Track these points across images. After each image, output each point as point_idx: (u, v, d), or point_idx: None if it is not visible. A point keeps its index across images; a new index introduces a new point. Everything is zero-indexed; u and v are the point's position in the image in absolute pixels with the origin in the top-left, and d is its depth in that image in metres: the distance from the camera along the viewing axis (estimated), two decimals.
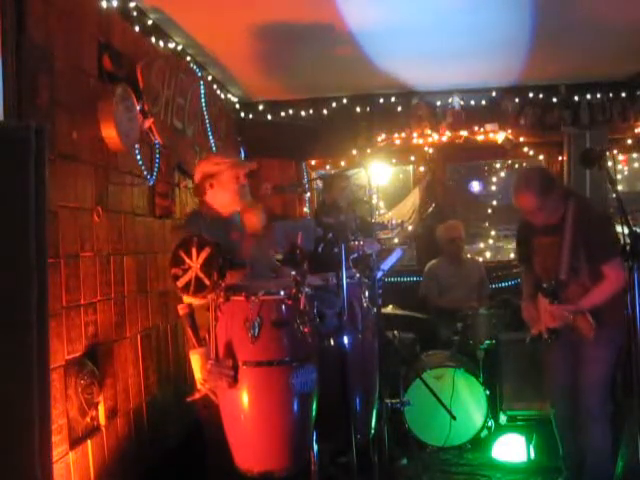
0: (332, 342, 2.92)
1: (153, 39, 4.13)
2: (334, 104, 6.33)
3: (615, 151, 6.23)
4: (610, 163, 3.05)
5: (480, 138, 6.29)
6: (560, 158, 6.31)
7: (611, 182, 3.02)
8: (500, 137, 6.25)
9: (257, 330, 2.57)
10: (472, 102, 6.35)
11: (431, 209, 6.42)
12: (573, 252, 3.41)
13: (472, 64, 5.36)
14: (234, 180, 3.25)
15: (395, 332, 4.57)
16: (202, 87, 4.90)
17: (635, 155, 7.36)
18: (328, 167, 6.72)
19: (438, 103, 6.36)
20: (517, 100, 6.28)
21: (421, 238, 6.51)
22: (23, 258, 2.12)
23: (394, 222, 5.48)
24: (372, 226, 4.28)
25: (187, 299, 2.91)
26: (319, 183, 6.37)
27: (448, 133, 6.29)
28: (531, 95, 6.26)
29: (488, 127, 6.25)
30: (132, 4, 3.77)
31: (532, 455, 4.27)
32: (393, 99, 6.36)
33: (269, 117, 6.35)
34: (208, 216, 3.23)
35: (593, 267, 3.41)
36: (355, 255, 3.53)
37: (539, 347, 3.81)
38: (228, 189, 3.25)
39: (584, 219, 3.42)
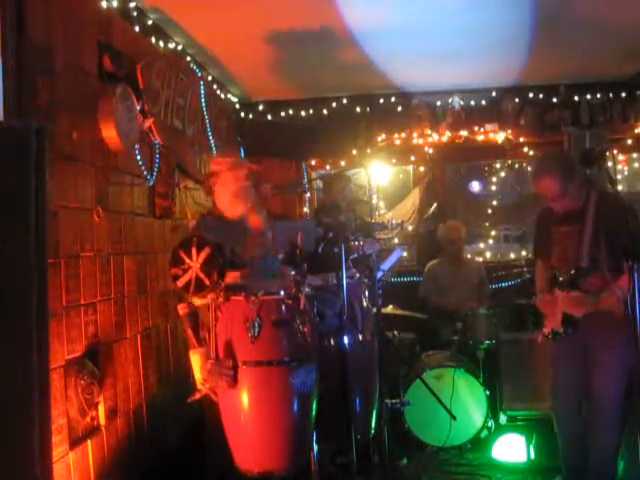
0: (332, 342, 2.93)
1: (153, 39, 4.12)
2: (334, 104, 6.32)
3: (615, 151, 6.21)
4: (610, 163, 3.03)
5: (480, 138, 6.28)
6: None
7: (611, 182, 3.02)
8: (500, 137, 6.25)
9: (257, 330, 2.57)
10: (472, 102, 6.35)
11: (432, 210, 6.41)
12: (594, 241, 3.31)
13: (472, 64, 5.36)
14: (233, 181, 3.24)
15: (395, 332, 4.56)
16: (202, 87, 4.90)
17: (635, 155, 7.34)
18: (328, 167, 6.71)
19: (438, 103, 6.36)
20: (517, 100, 6.28)
21: (421, 238, 6.51)
22: (23, 258, 2.11)
23: (394, 222, 5.47)
24: (372, 226, 4.28)
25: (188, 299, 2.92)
26: (319, 183, 6.37)
27: (448, 133, 6.29)
28: (531, 95, 6.26)
29: (488, 127, 6.25)
30: (132, 4, 3.77)
31: (532, 455, 4.26)
32: (393, 99, 6.36)
33: (269, 117, 6.34)
34: (218, 216, 3.24)
35: (614, 259, 3.28)
36: (355, 255, 3.53)
37: (538, 348, 3.78)
38: (226, 190, 3.24)
39: (607, 209, 3.32)
